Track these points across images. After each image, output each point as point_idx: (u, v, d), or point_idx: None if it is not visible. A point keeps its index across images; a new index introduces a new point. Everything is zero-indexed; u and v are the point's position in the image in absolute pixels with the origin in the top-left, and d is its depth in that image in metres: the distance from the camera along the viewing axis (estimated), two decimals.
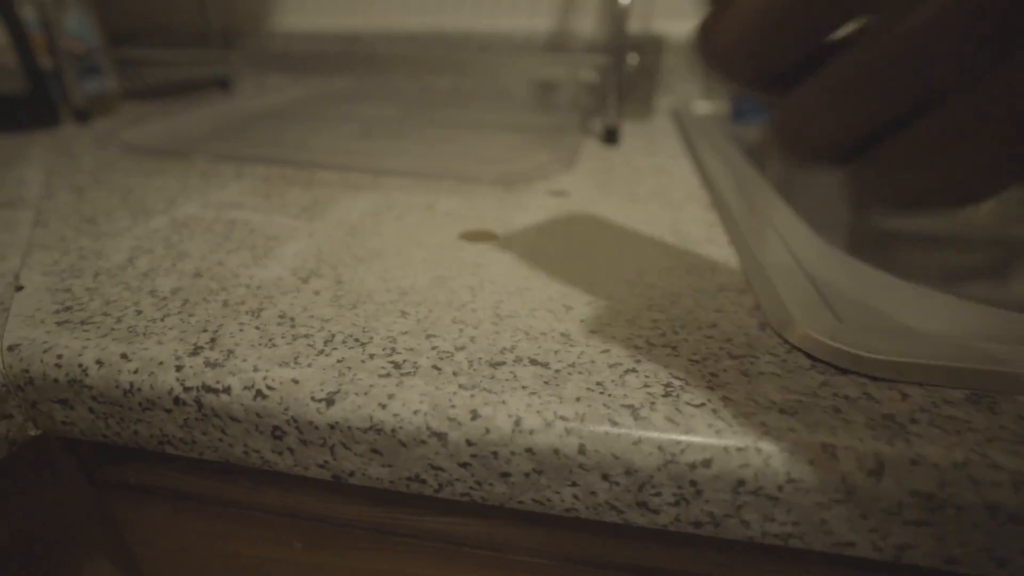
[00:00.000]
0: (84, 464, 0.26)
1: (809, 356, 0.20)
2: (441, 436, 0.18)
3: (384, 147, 0.46)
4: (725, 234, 0.30)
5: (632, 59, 0.54)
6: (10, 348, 0.21)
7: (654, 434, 0.16)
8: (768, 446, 0.16)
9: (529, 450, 0.17)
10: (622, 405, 0.17)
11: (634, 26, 0.69)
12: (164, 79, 0.70)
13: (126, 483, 0.26)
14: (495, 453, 0.17)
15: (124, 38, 0.78)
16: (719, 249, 0.28)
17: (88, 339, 0.21)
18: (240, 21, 0.78)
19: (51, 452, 0.25)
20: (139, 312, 0.22)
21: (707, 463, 0.16)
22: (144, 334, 0.21)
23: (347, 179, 0.39)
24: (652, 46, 0.68)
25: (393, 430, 0.18)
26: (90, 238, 0.30)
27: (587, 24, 0.71)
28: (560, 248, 0.28)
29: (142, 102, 0.67)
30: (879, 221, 0.60)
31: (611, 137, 0.48)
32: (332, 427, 0.18)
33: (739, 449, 0.16)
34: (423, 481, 0.19)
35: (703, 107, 0.67)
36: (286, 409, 0.18)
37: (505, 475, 0.18)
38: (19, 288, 0.24)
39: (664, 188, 0.38)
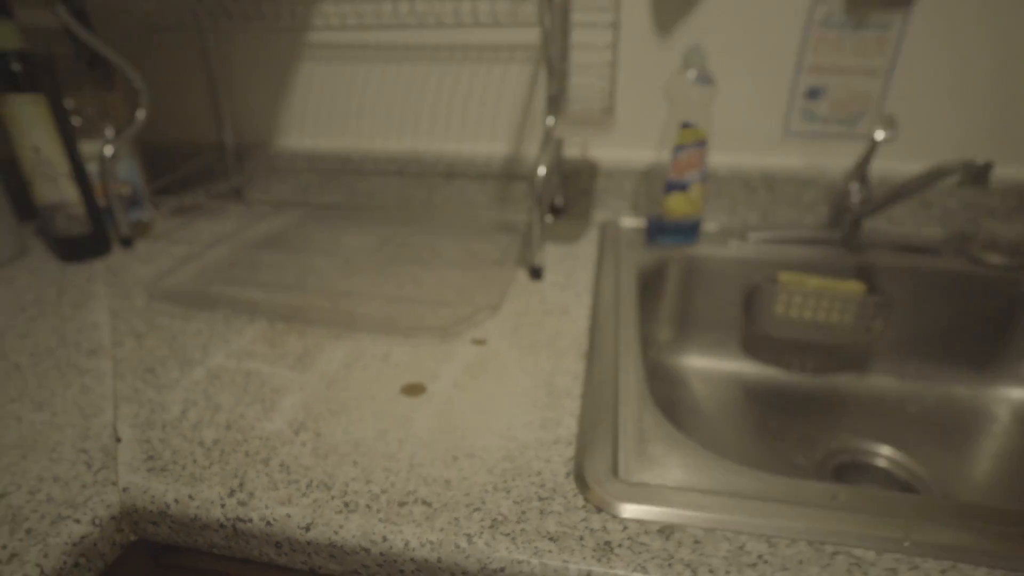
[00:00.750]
0: (153, 554, 0.40)
1: (585, 499, 0.34)
2: (366, 550, 0.32)
3: (361, 285, 0.61)
4: (581, 386, 0.45)
5: (548, 219, 0.70)
6: (124, 489, 0.35)
7: (477, 552, 0.31)
8: (534, 560, 0.30)
9: (412, 559, 0.31)
10: (464, 533, 0.32)
11: (574, 152, 0.85)
12: (191, 201, 0.86)
13: (183, 566, 0.40)
14: (395, 560, 0.32)
15: (157, 149, 0.94)
16: (571, 403, 0.43)
17: (168, 484, 0.35)
18: (250, 139, 0.94)
19: (132, 547, 0.40)
20: (195, 461, 0.37)
21: (502, 569, 0.31)
22: (199, 479, 0.36)
23: (329, 330, 0.54)
24: (588, 170, 0.84)
25: (340, 546, 0.32)
26: (154, 390, 0.44)
27: (534, 149, 0.87)
28: (465, 401, 0.43)
29: (172, 217, 0.83)
30: (766, 328, 0.74)
31: (536, 274, 0.63)
32: (308, 543, 0.33)
33: (519, 562, 0.30)
34: (359, 574, 0.33)
35: (629, 222, 0.83)
36: (283, 532, 0.33)
37: (402, 571, 0.32)
38: (118, 440, 0.39)
39: (559, 333, 0.52)
